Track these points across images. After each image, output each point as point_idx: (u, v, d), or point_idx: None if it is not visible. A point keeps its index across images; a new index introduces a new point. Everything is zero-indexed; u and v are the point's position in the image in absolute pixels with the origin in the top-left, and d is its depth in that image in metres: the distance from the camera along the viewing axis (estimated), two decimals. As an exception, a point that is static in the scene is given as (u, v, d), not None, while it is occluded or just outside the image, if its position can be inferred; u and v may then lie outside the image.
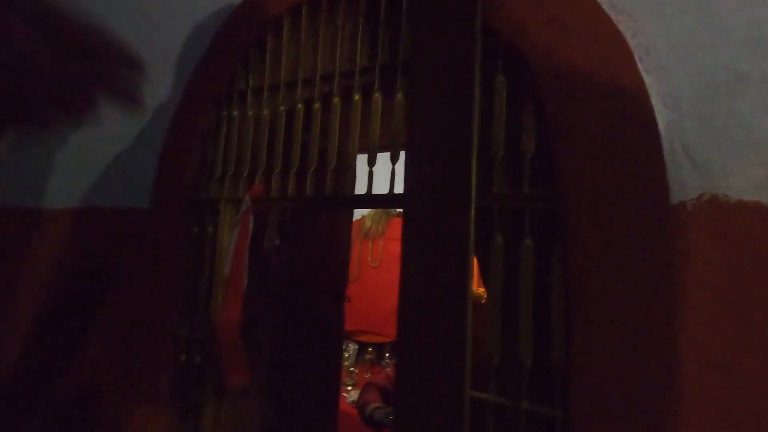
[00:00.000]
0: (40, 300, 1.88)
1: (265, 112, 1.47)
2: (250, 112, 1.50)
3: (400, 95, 1.14)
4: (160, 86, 1.75)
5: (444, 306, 0.43)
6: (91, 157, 1.89)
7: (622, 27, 0.97)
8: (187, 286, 1.55)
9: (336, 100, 1.33)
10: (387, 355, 3.79)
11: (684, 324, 0.84)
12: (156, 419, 1.50)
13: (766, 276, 0.80)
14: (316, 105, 1.37)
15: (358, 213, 4.15)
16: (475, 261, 0.82)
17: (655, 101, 0.91)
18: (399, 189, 1.24)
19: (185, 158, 1.59)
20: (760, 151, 0.83)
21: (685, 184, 0.87)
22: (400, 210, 3.77)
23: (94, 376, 1.72)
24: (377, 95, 1.21)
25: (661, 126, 0.90)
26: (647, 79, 0.93)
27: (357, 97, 1.29)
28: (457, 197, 0.33)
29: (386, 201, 1.17)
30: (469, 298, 0.52)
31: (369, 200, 1.22)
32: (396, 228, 3.78)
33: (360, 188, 1.30)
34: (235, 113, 1.53)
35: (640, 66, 0.93)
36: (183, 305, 1.55)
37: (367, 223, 4.03)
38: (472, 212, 0.40)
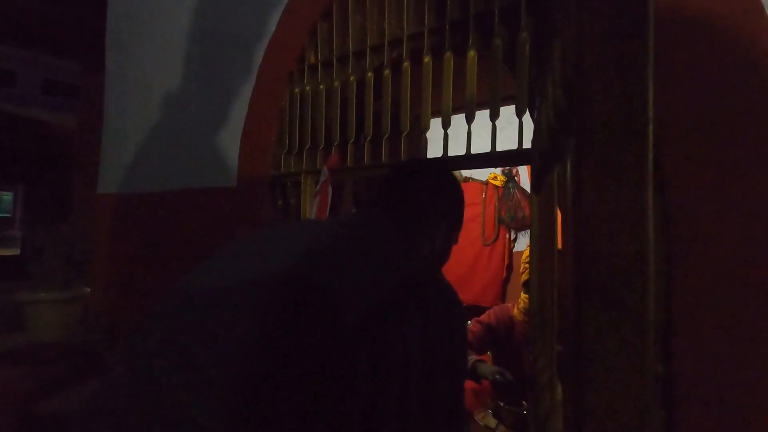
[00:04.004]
0: (149, 272, 2.13)
1: (336, 83, 1.50)
2: (321, 86, 1.55)
3: (523, 35, 1.10)
4: (234, 70, 1.85)
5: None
6: (180, 144, 2.07)
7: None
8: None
9: (406, 64, 1.32)
10: (459, 319, 3.83)
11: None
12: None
13: None
14: (386, 71, 1.37)
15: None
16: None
17: (776, 25, 0.80)
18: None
19: (265, 136, 1.69)
20: None
21: (814, 116, 0.77)
22: (467, 174, 3.70)
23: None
24: (472, 53, 1.17)
25: (783, 52, 0.79)
26: None
27: (427, 59, 1.28)
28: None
29: (512, 157, 1.13)
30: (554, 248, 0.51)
31: (492, 159, 1.17)
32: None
33: (435, 150, 1.30)
34: (308, 88, 1.59)
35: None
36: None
37: (433, 191, 4.00)
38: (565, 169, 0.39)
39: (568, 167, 0.37)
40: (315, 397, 0.48)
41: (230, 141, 1.83)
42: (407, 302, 0.54)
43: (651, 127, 0.19)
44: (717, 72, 0.81)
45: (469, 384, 1.69)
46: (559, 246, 0.48)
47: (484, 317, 1.68)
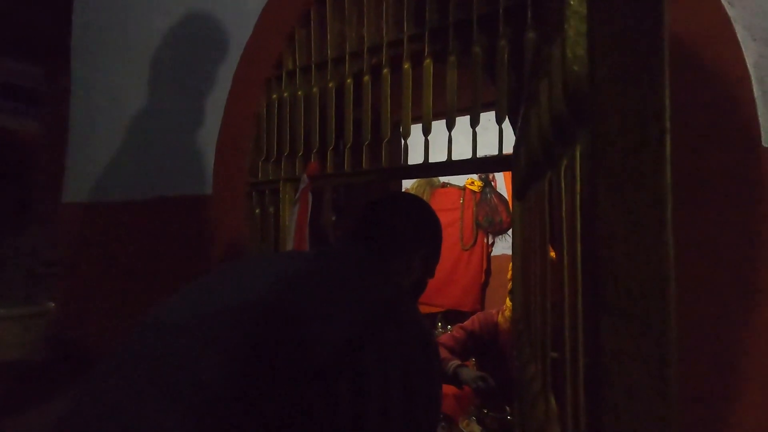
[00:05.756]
0: (120, 285, 2.04)
1: (315, 90, 1.48)
2: (299, 92, 1.53)
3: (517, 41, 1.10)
4: (209, 75, 1.80)
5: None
6: (152, 151, 2.00)
7: (698, -43, 0.89)
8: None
9: (385, 71, 1.31)
10: (439, 324, 3.85)
11: (779, 273, 0.79)
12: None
13: None
14: (366, 78, 1.36)
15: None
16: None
17: (741, 35, 0.84)
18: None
19: (241, 143, 1.65)
20: None
21: (779, 123, 0.81)
22: (445, 180, 3.73)
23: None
24: (452, 60, 1.17)
25: (749, 61, 0.83)
26: (730, 11, 0.85)
27: (407, 65, 1.28)
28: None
29: (493, 163, 1.14)
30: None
31: (473, 165, 1.19)
32: (440, 199, 3.75)
33: (417, 157, 1.30)
34: (285, 94, 1.56)
35: (721, -2, 0.86)
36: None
37: (411, 196, 4.00)
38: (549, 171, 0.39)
39: (562, 175, 0.37)
40: (290, 422, 0.47)
41: (205, 148, 1.78)
42: (386, 326, 0.54)
43: (668, 136, 0.18)
44: (680, 70, 0.84)
45: (450, 389, 1.69)
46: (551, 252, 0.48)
47: (467, 323, 1.68)
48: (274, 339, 0.51)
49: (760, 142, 0.81)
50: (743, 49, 0.83)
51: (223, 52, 1.77)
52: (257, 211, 1.62)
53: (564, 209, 0.34)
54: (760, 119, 0.81)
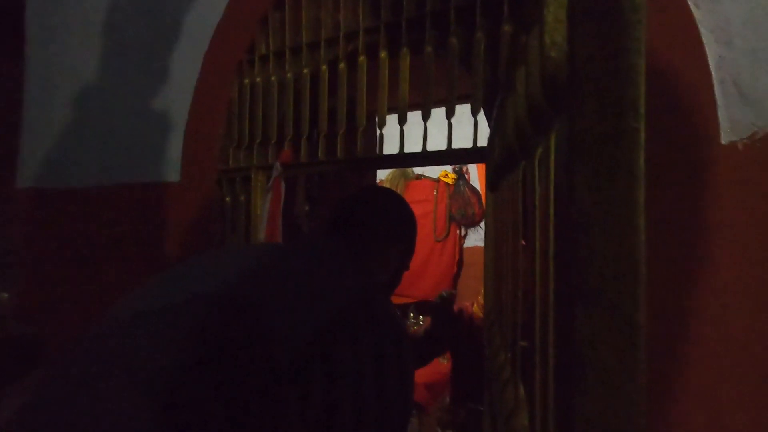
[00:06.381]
0: (79, 277, 1.95)
1: (289, 76, 1.45)
2: (273, 77, 1.48)
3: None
4: (176, 57, 1.73)
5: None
6: (115, 135, 1.91)
7: (667, -42, 0.91)
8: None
9: (362, 59, 1.30)
10: (411, 315, 3.88)
11: (732, 261, 0.84)
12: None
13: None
14: (341, 65, 1.34)
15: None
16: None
17: (705, 36, 0.87)
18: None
19: (211, 129, 1.59)
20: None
21: (737, 122, 0.85)
22: (419, 172, 3.75)
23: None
24: (429, 50, 1.16)
25: (711, 62, 0.86)
26: (696, 13, 0.88)
27: (383, 54, 1.26)
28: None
29: (468, 155, 1.15)
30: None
31: (448, 156, 1.18)
32: (414, 190, 3.76)
33: (392, 147, 1.29)
34: (258, 79, 1.52)
35: (688, -1, 0.88)
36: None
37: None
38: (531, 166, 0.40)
39: (536, 164, 0.37)
40: (259, 415, 0.47)
41: (173, 133, 1.71)
42: (359, 319, 0.54)
43: (643, 123, 0.19)
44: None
45: (421, 377, 1.71)
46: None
47: (441, 316, 1.70)
48: (237, 331, 0.50)
49: (720, 139, 0.84)
50: (706, 51, 0.86)
51: (193, 33, 1.70)
52: (228, 199, 1.58)
53: (537, 196, 0.35)
54: (720, 118, 0.85)
